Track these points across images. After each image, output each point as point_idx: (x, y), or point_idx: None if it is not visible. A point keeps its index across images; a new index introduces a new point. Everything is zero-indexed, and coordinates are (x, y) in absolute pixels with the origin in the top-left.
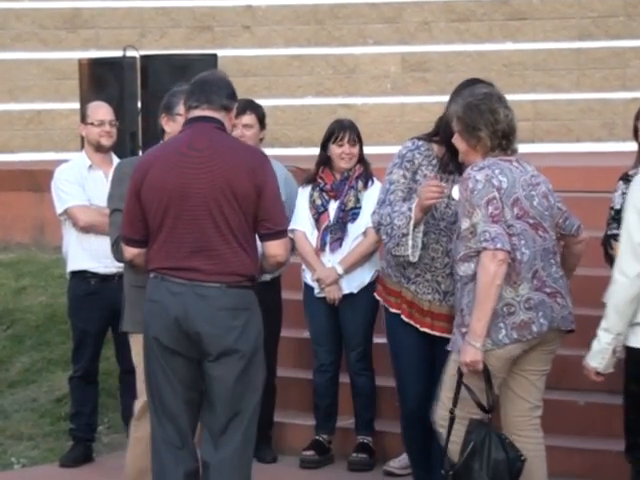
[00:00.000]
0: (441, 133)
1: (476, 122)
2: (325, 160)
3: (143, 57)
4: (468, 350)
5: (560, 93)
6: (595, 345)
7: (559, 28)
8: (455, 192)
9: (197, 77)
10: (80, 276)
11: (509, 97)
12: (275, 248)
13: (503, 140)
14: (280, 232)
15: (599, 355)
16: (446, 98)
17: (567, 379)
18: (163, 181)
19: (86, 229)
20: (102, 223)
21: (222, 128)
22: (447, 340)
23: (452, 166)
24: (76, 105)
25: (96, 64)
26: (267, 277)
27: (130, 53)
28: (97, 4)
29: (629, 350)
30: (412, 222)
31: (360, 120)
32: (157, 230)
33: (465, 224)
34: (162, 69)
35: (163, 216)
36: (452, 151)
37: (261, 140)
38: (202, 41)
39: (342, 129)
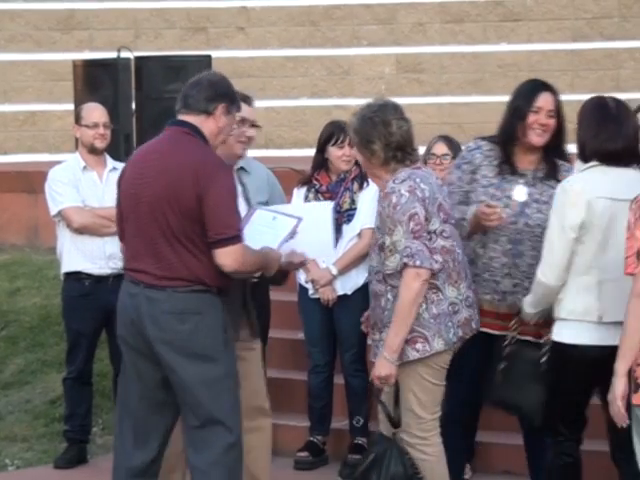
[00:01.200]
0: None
1: (370, 135)
2: (321, 163)
3: (137, 58)
4: (383, 364)
5: None
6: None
7: (553, 29)
8: (517, 193)
9: (194, 77)
10: (74, 277)
11: (503, 98)
12: (218, 257)
13: (398, 152)
14: (221, 241)
15: (527, 306)
16: (441, 99)
17: None
18: (126, 186)
19: (80, 230)
20: (96, 224)
21: (192, 133)
22: (503, 337)
23: (509, 168)
24: (70, 106)
25: (90, 65)
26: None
27: (124, 54)
28: (91, 5)
29: (556, 345)
30: (467, 231)
31: None
32: (124, 232)
33: (387, 241)
34: (156, 70)
35: (126, 220)
36: (507, 153)
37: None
38: (196, 42)
39: (341, 131)
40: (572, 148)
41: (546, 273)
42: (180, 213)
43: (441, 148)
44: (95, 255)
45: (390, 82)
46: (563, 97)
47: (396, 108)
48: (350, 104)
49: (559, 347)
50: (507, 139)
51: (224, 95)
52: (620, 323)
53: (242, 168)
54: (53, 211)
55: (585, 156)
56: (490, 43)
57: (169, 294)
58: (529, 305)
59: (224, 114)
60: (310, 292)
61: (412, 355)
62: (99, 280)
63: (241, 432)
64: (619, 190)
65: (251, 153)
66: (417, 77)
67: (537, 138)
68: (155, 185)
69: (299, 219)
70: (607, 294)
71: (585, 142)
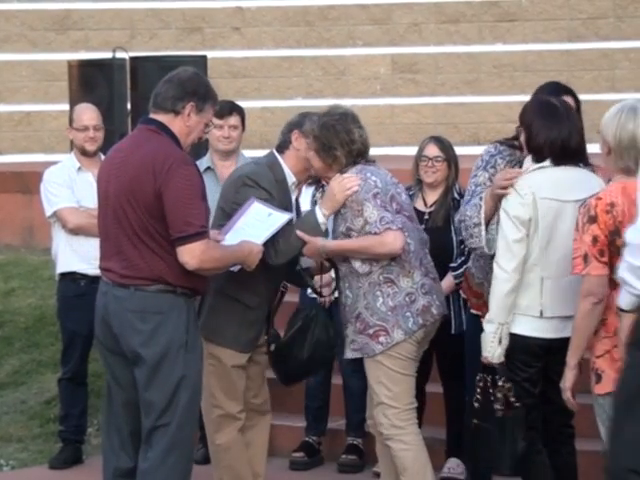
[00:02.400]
0: (519, 136)
1: (332, 142)
2: None
3: (133, 58)
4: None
5: None
6: (482, 337)
7: (548, 30)
8: None
9: (169, 74)
10: (69, 278)
11: (499, 98)
12: (179, 255)
13: (358, 158)
14: (181, 238)
15: (488, 345)
16: (436, 99)
17: None
18: (98, 184)
19: (75, 231)
20: (91, 225)
21: (159, 131)
22: None
23: None
24: (65, 107)
25: (85, 65)
26: None
27: (120, 54)
28: (86, 6)
29: (511, 336)
30: (483, 210)
31: None
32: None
33: (358, 223)
34: (152, 70)
35: (98, 217)
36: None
37: None
38: (192, 42)
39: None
40: (593, 148)
41: (504, 265)
42: (141, 211)
43: (433, 150)
44: (90, 255)
45: (385, 82)
46: None
47: (354, 117)
48: (345, 104)
49: (511, 337)
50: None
51: (193, 93)
52: (560, 318)
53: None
54: (48, 212)
55: (540, 155)
56: (485, 43)
57: (132, 293)
58: (489, 322)
59: (194, 113)
60: (308, 291)
61: (377, 349)
62: (94, 280)
63: (190, 433)
64: (565, 191)
65: (247, 153)
66: (412, 77)
67: None
68: (117, 183)
69: (291, 215)
70: (547, 291)
71: (541, 141)
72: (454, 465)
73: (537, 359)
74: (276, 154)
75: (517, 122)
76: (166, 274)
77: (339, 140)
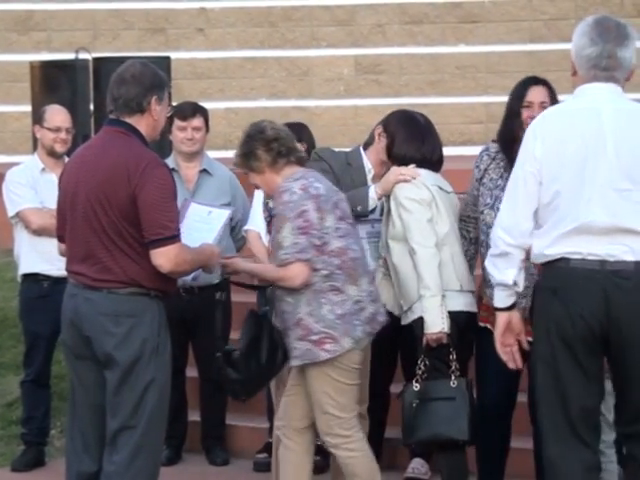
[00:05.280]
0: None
1: (251, 147)
2: None
3: (95, 59)
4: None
5: None
6: (429, 315)
7: (511, 31)
8: None
9: (115, 74)
10: (32, 279)
11: (462, 99)
12: (153, 258)
13: (281, 147)
14: (155, 241)
15: (438, 319)
16: (400, 100)
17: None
18: (63, 186)
19: (39, 232)
20: (54, 226)
21: (127, 132)
22: None
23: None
24: (27, 108)
25: (48, 66)
26: (215, 279)
27: (82, 55)
28: (49, 6)
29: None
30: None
31: (313, 122)
32: (64, 232)
33: (275, 239)
34: (115, 71)
35: (65, 220)
36: (509, 154)
37: None
38: (155, 43)
39: (300, 132)
40: None
41: (424, 242)
42: (113, 214)
43: None
44: (53, 256)
45: (349, 83)
46: None
47: (270, 123)
48: (309, 105)
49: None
50: (508, 140)
51: (152, 87)
52: (472, 292)
53: (205, 170)
54: (11, 212)
55: (403, 162)
56: (448, 44)
57: (105, 295)
58: (433, 297)
59: (157, 104)
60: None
61: (322, 356)
62: (57, 282)
63: (158, 436)
64: (440, 182)
65: (210, 154)
66: (376, 78)
67: None
68: (87, 186)
69: (232, 209)
70: (458, 267)
71: (405, 152)
72: (418, 465)
73: (461, 333)
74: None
75: (481, 122)
76: (139, 277)
77: (255, 142)
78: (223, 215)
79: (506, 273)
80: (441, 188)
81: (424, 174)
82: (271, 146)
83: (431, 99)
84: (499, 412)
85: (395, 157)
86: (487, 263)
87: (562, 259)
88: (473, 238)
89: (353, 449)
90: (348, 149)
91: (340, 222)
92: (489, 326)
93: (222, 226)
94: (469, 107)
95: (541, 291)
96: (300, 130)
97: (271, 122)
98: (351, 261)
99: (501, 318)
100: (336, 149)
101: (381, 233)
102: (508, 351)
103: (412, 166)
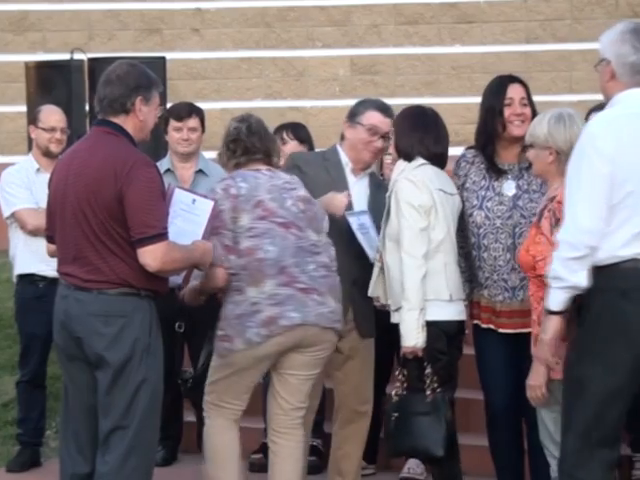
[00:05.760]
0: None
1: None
2: None
3: (91, 60)
4: None
5: None
6: (405, 328)
7: (507, 31)
8: (506, 188)
9: (103, 74)
10: (28, 279)
11: (457, 100)
12: (140, 257)
13: (235, 147)
14: (141, 240)
15: (413, 333)
16: (395, 101)
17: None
18: (53, 187)
19: (34, 232)
20: None
21: (115, 132)
22: (526, 335)
23: (493, 167)
24: (23, 108)
25: (43, 67)
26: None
27: (78, 56)
28: (45, 7)
29: (429, 324)
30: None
31: (309, 123)
32: (54, 233)
33: None
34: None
35: (54, 220)
36: (488, 153)
37: None
38: (151, 44)
39: (282, 130)
40: None
41: (414, 252)
42: (102, 213)
43: None
44: (49, 257)
45: (344, 84)
46: None
47: (243, 117)
48: (305, 105)
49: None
50: (487, 139)
51: (137, 88)
52: (462, 300)
53: (200, 171)
54: (6, 213)
55: (409, 155)
56: (444, 45)
57: (95, 296)
58: (410, 310)
59: (143, 105)
60: None
61: (220, 352)
62: (53, 282)
63: (151, 436)
64: (445, 185)
65: (208, 155)
66: (372, 78)
67: (517, 129)
68: (76, 186)
69: (214, 200)
70: (451, 276)
71: (413, 143)
72: (414, 465)
73: (450, 342)
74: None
75: (475, 122)
76: (129, 277)
77: (223, 139)
78: (208, 205)
79: (579, 276)
80: (445, 191)
81: (431, 176)
82: (229, 146)
83: (427, 99)
84: (508, 416)
85: (400, 150)
86: (556, 266)
87: (631, 260)
88: (467, 253)
89: (208, 425)
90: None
91: (258, 222)
92: (492, 326)
93: (209, 219)
94: (465, 107)
95: (603, 292)
96: (301, 130)
97: (257, 121)
98: (257, 262)
99: (554, 322)
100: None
101: (381, 228)
102: (558, 361)
103: (345, 193)
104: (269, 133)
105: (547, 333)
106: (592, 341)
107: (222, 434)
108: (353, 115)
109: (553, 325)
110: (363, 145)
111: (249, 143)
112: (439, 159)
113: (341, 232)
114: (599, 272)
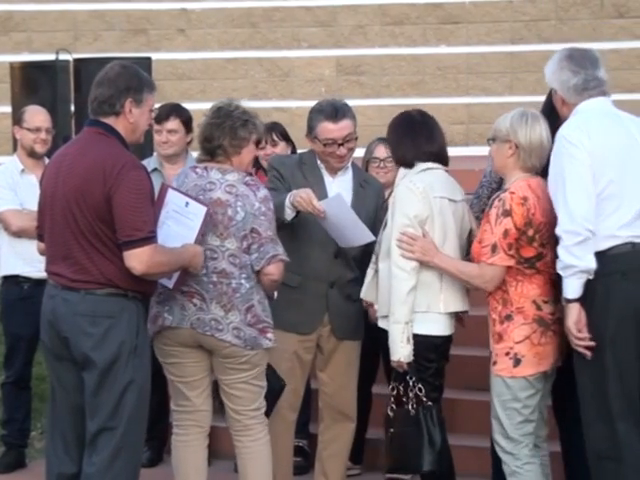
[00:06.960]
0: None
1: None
2: (258, 163)
3: (76, 60)
4: None
5: (493, 96)
6: (390, 341)
7: (492, 32)
8: None
9: (98, 74)
10: (13, 281)
11: (443, 100)
12: (126, 260)
13: (203, 144)
14: (128, 243)
15: (397, 347)
16: (381, 101)
17: (478, 379)
18: (44, 187)
19: (19, 234)
20: (34, 228)
21: (106, 133)
22: None
23: None
24: (8, 109)
25: (28, 67)
26: None
27: (63, 56)
28: (29, 7)
29: (415, 337)
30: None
31: (295, 123)
32: (44, 232)
33: None
34: (96, 72)
35: (44, 220)
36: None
37: (189, 143)
38: (136, 44)
39: (266, 132)
40: None
41: (403, 265)
42: (90, 214)
43: (382, 151)
44: (34, 258)
45: (330, 84)
46: (502, 99)
47: (218, 108)
48: (290, 106)
49: (415, 338)
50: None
51: (127, 89)
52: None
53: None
54: None
55: (407, 162)
56: (430, 45)
57: (83, 296)
58: (395, 323)
59: (134, 107)
60: None
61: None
62: (38, 283)
63: (138, 437)
64: (449, 191)
65: (195, 155)
66: (357, 79)
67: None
68: (65, 187)
69: (207, 206)
70: (446, 288)
71: (405, 150)
72: None
73: (440, 354)
74: None
75: (463, 123)
76: (116, 278)
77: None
78: (200, 211)
79: (588, 259)
80: (449, 198)
81: (432, 183)
82: (200, 142)
83: (412, 100)
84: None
85: (397, 161)
86: (564, 256)
87: (627, 244)
88: None
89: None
90: None
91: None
92: None
93: (201, 224)
94: (450, 108)
95: (603, 277)
96: (283, 130)
97: (218, 107)
98: None
99: (575, 310)
100: None
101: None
102: (585, 344)
103: (319, 204)
104: (233, 129)
105: (571, 321)
106: (604, 326)
107: (184, 448)
108: (310, 129)
109: (575, 313)
110: (327, 156)
111: (208, 141)
112: (438, 157)
113: (314, 232)
114: (599, 258)
